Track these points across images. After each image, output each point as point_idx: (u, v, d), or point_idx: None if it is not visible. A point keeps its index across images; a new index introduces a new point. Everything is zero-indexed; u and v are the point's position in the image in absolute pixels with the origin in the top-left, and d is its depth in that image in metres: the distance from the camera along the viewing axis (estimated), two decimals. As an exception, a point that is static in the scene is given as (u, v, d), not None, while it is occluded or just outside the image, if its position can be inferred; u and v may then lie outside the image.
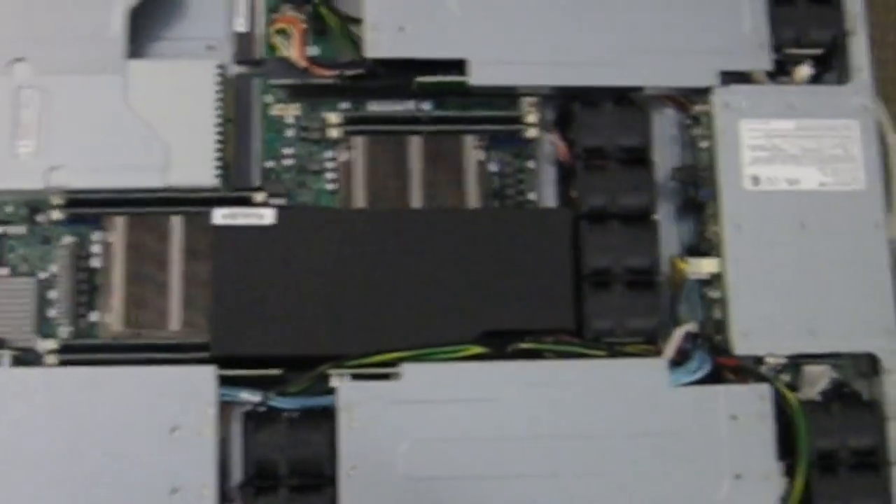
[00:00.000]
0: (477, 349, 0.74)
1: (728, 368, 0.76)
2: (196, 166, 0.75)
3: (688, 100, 0.81)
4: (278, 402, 0.73)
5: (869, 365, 0.77)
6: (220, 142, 0.76)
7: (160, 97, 0.76)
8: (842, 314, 0.76)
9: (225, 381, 0.72)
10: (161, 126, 0.76)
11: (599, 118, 0.78)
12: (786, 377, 0.78)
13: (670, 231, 0.81)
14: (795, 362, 0.78)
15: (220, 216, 0.74)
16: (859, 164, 0.79)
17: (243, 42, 0.80)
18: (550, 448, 0.72)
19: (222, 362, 0.72)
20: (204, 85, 0.77)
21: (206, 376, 0.71)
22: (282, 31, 0.78)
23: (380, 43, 0.77)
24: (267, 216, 0.74)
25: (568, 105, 0.80)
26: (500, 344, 0.74)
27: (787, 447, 0.75)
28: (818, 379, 0.78)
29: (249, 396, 0.72)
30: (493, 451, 0.72)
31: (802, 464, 0.74)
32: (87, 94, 0.76)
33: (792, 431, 0.75)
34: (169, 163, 0.75)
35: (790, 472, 0.74)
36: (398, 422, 0.71)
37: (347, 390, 0.72)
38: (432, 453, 0.71)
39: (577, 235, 0.76)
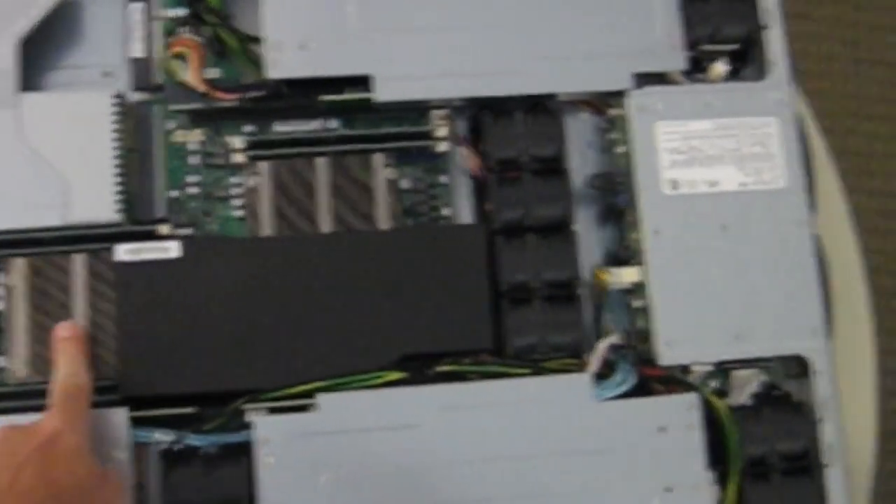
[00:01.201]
0: (395, 375, 0.72)
1: (655, 379, 0.74)
2: (97, 201, 0.73)
3: (603, 103, 0.79)
4: (194, 440, 0.71)
5: (798, 366, 0.76)
6: (120, 174, 0.73)
7: (56, 130, 0.74)
8: (768, 317, 0.74)
9: (138, 422, 0.70)
10: (58, 160, 0.73)
11: (511, 128, 0.76)
12: (715, 382, 0.77)
13: (591, 240, 0.79)
14: (723, 368, 0.76)
15: (123, 252, 0.72)
16: (780, 162, 0.77)
17: (140, 68, 0.77)
18: (476, 472, 0.70)
19: (134, 403, 0.70)
20: (101, 115, 0.74)
21: (118, 419, 0.69)
22: (179, 55, 0.75)
23: (281, 62, 0.74)
24: (172, 249, 0.72)
25: (479, 116, 0.77)
26: (420, 368, 0.72)
27: (717, 454, 0.73)
28: (747, 383, 0.77)
29: (163, 436, 0.70)
30: (416, 479, 0.70)
31: (734, 473, 0.73)
32: (-22, 132, 0.73)
33: (721, 439, 0.73)
34: (68, 199, 0.73)
35: (722, 480, 0.73)
36: (317, 454, 0.70)
37: (264, 425, 0.70)
38: (353, 485, 0.69)
39: (493, 251, 0.74)
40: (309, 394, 0.71)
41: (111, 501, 0.66)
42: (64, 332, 0.70)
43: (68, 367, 0.68)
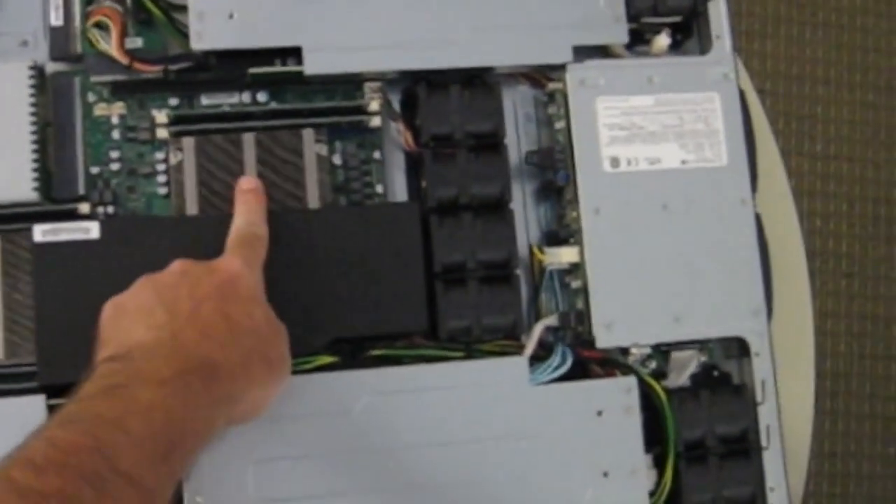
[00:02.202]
0: (327, 359, 0.70)
1: (593, 361, 0.73)
2: (12, 178, 0.70)
3: (542, 75, 0.77)
4: (116, 427, 0.68)
5: (738, 348, 0.75)
6: (37, 150, 0.70)
7: (-31, 102, 0.70)
8: (708, 298, 0.73)
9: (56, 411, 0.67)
10: (-28, 135, 0.70)
11: (446, 103, 0.74)
12: (653, 363, 0.75)
13: (528, 218, 0.77)
14: (662, 349, 0.75)
15: (41, 233, 0.68)
16: (722, 139, 0.75)
17: (59, 37, 0.73)
18: (410, 458, 0.69)
19: (52, 391, 0.67)
20: (17, 87, 0.71)
21: (34, 407, 0.66)
22: (99, 24, 0.71)
23: (207, 33, 0.71)
24: (92, 230, 0.69)
25: (413, 89, 0.75)
26: (352, 352, 0.70)
27: (655, 436, 0.72)
28: (686, 364, 0.76)
29: (85, 424, 0.68)
30: (349, 466, 0.68)
31: (671, 456, 0.72)
32: None
33: (660, 421, 0.72)
34: (-18, 176, 0.69)
35: (659, 463, 0.72)
36: (246, 440, 0.67)
37: (189, 411, 0.67)
38: (283, 472, 0.67)
39: (427, 230, 0.72)
40: (237, 379, 0.68)
41: (281, 350, 0.65)
42: (246, 184, 0.70)
43: (248, 216, 0.68)
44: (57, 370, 0.67)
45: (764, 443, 0.73)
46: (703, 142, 0.75)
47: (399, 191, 0.76)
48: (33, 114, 0.70)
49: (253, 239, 0.67)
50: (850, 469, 1.62)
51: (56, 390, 0.67)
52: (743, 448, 0.73)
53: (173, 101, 0.74)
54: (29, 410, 0.66)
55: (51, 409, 0.66)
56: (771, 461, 0.73)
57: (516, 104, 0.78)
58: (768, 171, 0.79)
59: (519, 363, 0.71)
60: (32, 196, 0.69)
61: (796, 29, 1.66)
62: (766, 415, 0.73)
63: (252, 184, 0.70)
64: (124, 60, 0.71)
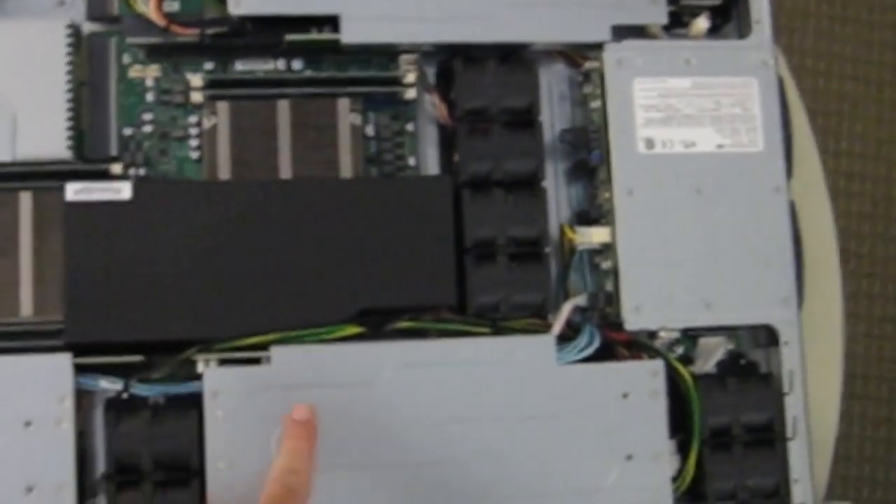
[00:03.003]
0: (353, 329, 0.69)
1: (620, 343, 0.72)
2: (46, 136, 0.69)
3: (579, 54, 0.76)
4: (141, 389, 0.68)
5: (766, 336, 0.74)
6: (72, 108, 0.70)
7: (6, 60, 0.70)
8: (739, 284, 0.73)
9: (82, 369, 0.67)
10: (7, 92, 0.69)
11: (483, 77, 0.73)
12: (680, 349, 0.75)
13: (560, 196, 0.76)
14: (690, 335, 0.74)
15: (73, 191, 0.68)
16: (759, 124, 0.74)
17: (97, -4, 0.73)
18: (433, 432, 0.68)
19: (78, 349, 0.67)
20: (54, 46, 0.70)
21: (61, 365, 0.66)
22: (138, -14, 0.71)
23: (245, -2, 0.71)
24: (124, 190, 0.69)
25: (449, 63, 0.74)
26: (378, 323, 0.70)
27: (679, 423, 0.72)
28: (714, 351, 0.75)
29: (109, 384, 0.68)
30: (373, 438, 0.68)
31: (695, 442, 0.71)
32: (-77, 58, 0.69)
33: (685, 407, 0.72)
34: (16, 133, 0.69)
35: (683, 449, 0.72)
36: (269, 409, 0.67)
37: (214, 376, 0.67)
38: (306, 441, 0.67)
39: (459, 204, 0.72)
40: (262, 346, 0.68)
41: None
42: (299, 414, 0.65)
43: (292, 460, 0.62)
44: (84, 329, 0.67)
45: (790, 433, 0.72)
46: (739, 127, 0.74)
47: (431, 164, 0.76)
48: (69, 73, 0.70)
49: (288, 495, 0.60)
50: (865, 474, 1.60)
51: (82, 349, 0.67)
52: (768, 438, 0.72)
53: (208, 66, 0.74)
54: (55, 368, 0.66)
55: (78, 367, 0.66)
56: (796, 452, 0.72)
57: (551, 83, 0.78)
58: (803, 159, 0.78)
59: (546, 342, 0.70)
60: (65, 154, 0.69)
61: (825, 24, 1.65)
62: (792, 405, 0.73)
63: (305, 414, 0.65)
64: (161, 23, 0.71)
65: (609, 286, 0.73)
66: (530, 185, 0.73)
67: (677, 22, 0.77)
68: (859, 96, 1.67)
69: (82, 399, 0.68)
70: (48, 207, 0.69)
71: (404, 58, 0.74)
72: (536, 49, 0.76)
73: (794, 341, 0.73)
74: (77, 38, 0.72)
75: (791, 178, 0.75)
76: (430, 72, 0.76)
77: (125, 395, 0.68)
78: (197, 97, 0.72)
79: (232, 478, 0.66)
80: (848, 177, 1.64)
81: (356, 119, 0.72)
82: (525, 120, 0.74)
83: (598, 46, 0.74)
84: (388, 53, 0.74)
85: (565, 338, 0.71)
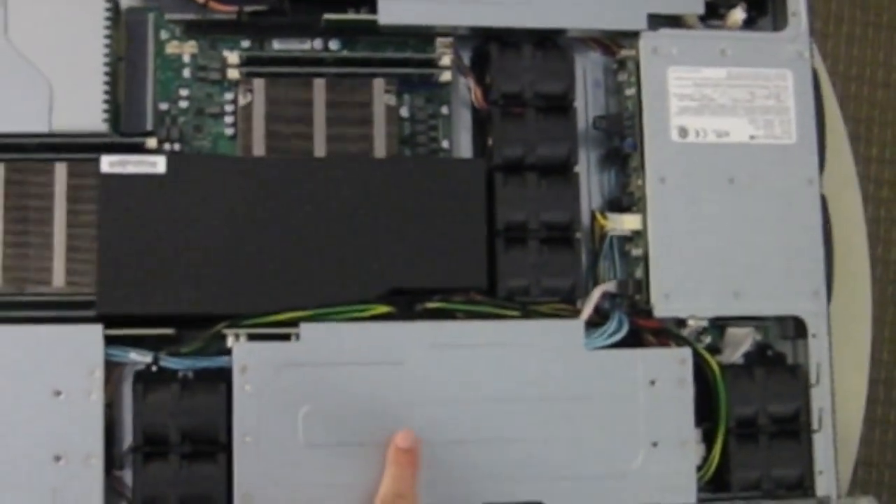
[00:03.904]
0: (382, 308, 0.69)
1: (648, 330, 0.72)
2: (83, 109, 0.70)
3: (614, 43, 0.77)
4: (170, 362, 0.68)
5: (794, 328, 0.74)
6: (109, 82, 0.70)
7: (44, 32, 0.70)
8: (768, 275, 0.73)
9: (113, 341, 0.67)
10: (45, 64, 0.70)
11: (518, 62, 0.73)
12: (708, 338, 0.75)
13: (592, 183, 0.77)
14: (718, 324, 0.74)
15: (108, 164, 0.69)
16: (792, 117, 0.74)
17: (137, -28, 0.74)
18: (459, 413, 0.69)
19: (109, 321, 0.67)
20: (93, 19, 0.71)
21: (91, 336, 0.67)
22: (177, -38, 0.72)
23: (284, -23, 0.71)
24: (158, 164, 0.69)
25: (485, 47, 0.74)
26: (408, 303, 0.70)
27: (704, 412, 0.72)
28: (741, 341, 0.75)
29: (139, 357, 0.68)
30: (398, 417, 0.68)
31: (721, 431, 0.71)
32: (-37, 28, 0.70)
33: (711, 396, 0.72)
34: (53, 105, 0.69)
35: (708, 438, 0.72)
36: (298, 385, 0.67)
37: (243, 351, 0.67)
38: (334, 419, 0.67)
39: (492, 188, 0.72)
40: (292, 322, 0.68)
41: None
42: (403, 442, 0.66)
43: (398, 484, 0.65)
44: (115, 301, 0.68)
45: (815, 425, 0.72)
46: (772, 118, 0.74)
47: (464, 148, 0.76)
48: (107, 47, 0.70)
49: None
50: (885, 479, 1.59)
51: (113, 320, 0.67)
52: (794, 429, 0.72)
53: (245, 44, 0.75)
54: (86, 339, 0.67)
55: (108, 338, 0.67)
56: (821, 444, 0.72)
57: (586, 70, 0.78)
58: (835, 154, 0.78)
59: (575, 326, 0.70)
60: (102, 127, 0.70)
61: (858, 29, 1.64)
62: (819, 397, 0.73)
63: (409, 442, 0.66)
64: (201, -1, 0.71)
65: (639, 273, 0.73)
66: (563, 170, 0.73)
67: (713, 13, 0.77)
68: (891, 102, 1.66)
69: (111, 371, 0.68)
70: (83, 179, 0.70)
71: (440, 40, 0.74)
72: (572, 35, 0.76)
73: (822, 334, 0.73)
74: (116, 13, 0.72)
75: (823, 171, 0.74)
76: (466, 55, 0.76)
77: (154, 368, 0.69)
78: (233, 74, 0.72)
79: (258, 452, 0.66)
80: (876, 183, 1.63)
81: (391, 100, 0.73)
82: (559, 105, 0.74)
83: (633, 34, 0.74)
84: (424, 36, 0.75)
85: (593, 324, 0.72)
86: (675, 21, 0.76)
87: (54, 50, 0.70)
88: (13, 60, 0.69)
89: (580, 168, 0.74)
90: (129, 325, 0.68)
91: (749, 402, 0.72)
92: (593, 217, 0.75)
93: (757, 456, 0.71)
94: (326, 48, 0.75)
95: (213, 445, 0.67)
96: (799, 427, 0.72)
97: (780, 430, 0.72)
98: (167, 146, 0.73)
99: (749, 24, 0.78)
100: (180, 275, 0.68)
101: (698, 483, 0.71)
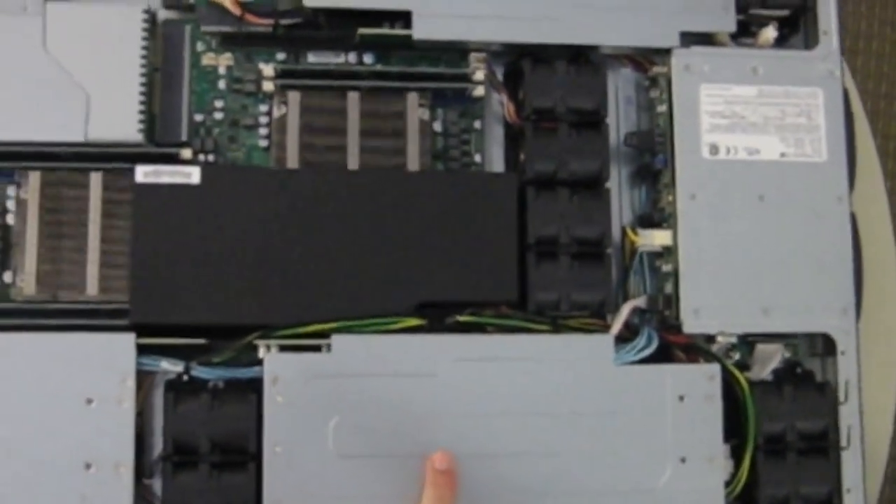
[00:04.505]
0: (413, 321, 0.70)
1: (677, 346, 0.72)
2: (118, 119, 0.70)
3: (646, 59, 0.77)
4: (201, 372, 0.69)
5: (823, 345, 0.74)
6: (144, 93, 0.71)
7: (81, 43, 0.71)
8: (798, 292, 0.73)
9: (145, 350, 0.68)
10: (82, 74, 0.71)
11: (551, 78, 0.74)
12: (737, 355, 0.75)
13: (622, 199, 0.77)
14: (747, 341, 0.75)
15: (142, 174, 0.69)
16: (823, 135, 0.75)
17: (173, -16, 0.74)
18: (488, 426, 0.69)
19: (142, 330, 0.68)
20: (129, 31, 0.71)
21: (124, 345, 0.67)
22: (215, -25, 0.72)
23: (321, -9, 0.72)
24: (193, 175, 0.69)
25: (518, 62, 0.75)
26: (438, 316, 0.70)
27: (733, 427, 0.72)
28: (770, 358, 0.75)
29: (170, 366, 0.68)
30: (428, 429, 0.68)
31: (749, 447, 0.71)
32: (1, 38, 0.70)
33: (740, 412, 0.72)
34: (89, 115, 0.70)
35: (736, 455, 0.72)
36: (328, 396, 0.68)
37: (274, 362, 0.68)
38: (364, 430, 0.68)
39: (524, 202, 0.72)
40: (323, 334, 0.69)
41: None
42: (440, 463, 0.67)
43: None
44: (149, 310, 0.68)
45: (844, 443, 0.72)
46: (803, 136, 0.74)
47: (496, 162, 0.77)
48: (143, 58, 0.71)
49: None
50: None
51: (145, 329, 0.68)
52: (822, 446, 0.72)
53: (280, 57, 0.75)
54: (119, 347, 0.67)
55: (140, 347, 0.67)
56: (850, 462, 0.72)
57: (617, 86, 0.78)
58: (865, 172, 0.78)
59: (605, 341, 0.71)
60: (137, 137, 0.70)
61: (888, 47, 1.64)
62: (847, 415, 0.73)
63: (446, 463, 0.67)
64: (237, 12, 0.72)
65: (668, 289, 0.73)
66: (594, 185, 0.73)
67: (745, 31, 0.77)
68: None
69: (142, 379, 0.68)
70: (117, 189, 0.70)
71: (474, 56, 0.75)
72: (604, 52, 0.76)
73: (851, 351, 0.73)
74: (152, 24, 0.73)
75: (853, 189, 0.75)
76: (499, 70, 0.76)
77: (185, 378, 0.69)
78: (268, 86, 0.73)
79: (288, 462, 0.66)
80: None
81: (424, 114, 0.73)
82: (591, 121, 0.74)
83: (665, 52, 0.75)
84: (457, 51, 0.75)
85: (622, 339, 0.72)
86: (706, 39, 0.76)
87: (91, 61, 0.71)
88: (51, 71, 0.70)
89: (611, 184, 0.75)
90: (161, 334, 0.68)
91: (777, 419, 0.72)
92: (624, 233, 0.75)
93: (785, 473, 0.71)
94: (361, 62, 0.75)
95: (243, 455, 0.67)
96: (827, 444, 0.72)
97: (808, 448, 0.72)
98: (201, 157, 0.73)
99: (780, 42, 0.78)
100: (213, 285, 0.69)
101: (726, 499, 0.71)
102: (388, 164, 0.72)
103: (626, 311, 0.72)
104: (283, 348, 0.68)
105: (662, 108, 0.75)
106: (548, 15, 0.74)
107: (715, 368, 0.71)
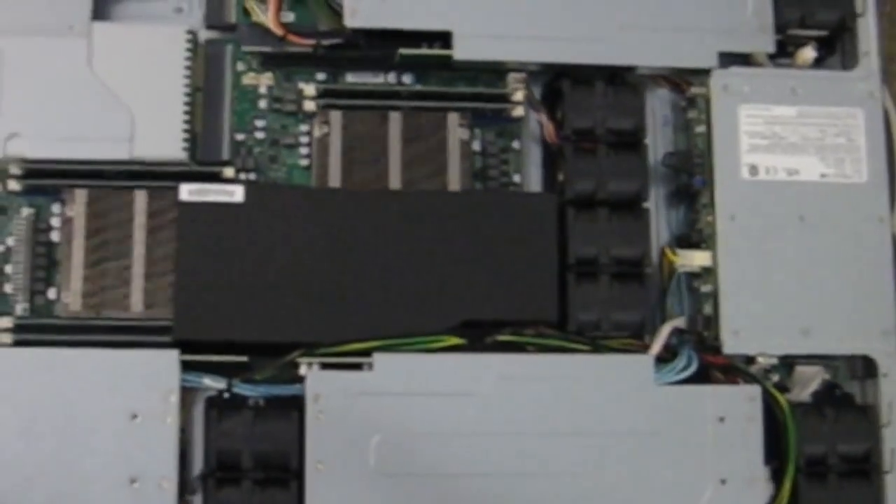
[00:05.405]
0: (454, 340, 0.70)
1: (717, 367, 0.72)
2: (162, 138, 0.71)
3: (684, 80, 0.77)
4: (243, 389, 0.69)
5: (864, 367, 0.74)
6: (188, 112, 0.72)
7: (126, 63, 0.72)
8: (838, 313, 0.73)
9: (188, 367, 0.68)
10: (126, 94, 0.72)
11: (590, 98, 0.74)
12: (776, 376, 0.75)
13: (660, 219, 0.77)
14: (787, 362, 0.74)
15: (187, 192, 0.70)
16: (863, 155, 0.75)
17: (215, 5, 0.75)
18: (528, 445, 0.69)
19: (185, 346, 0.68)
20: (173, 51, 0.72)
21: (168, 361, 0.68)
22: (258, -4, 0.73)
23: (361, 11, 0.72)
24: (237, 193, 0.70)
25: (557, 83, 0.75)
26: (479, 335, 0.70)
27: (774, 450, 0.72)
28: (810, 380, 0.75)
29: (213, 383, 0.69)
30: (468, 448, 0.69)
31: (790, 469, 0.71)
32: (48, 58, 0.71)
33: (780, 434, 0.72)
34: (134, 133, 0.71)
35: (777, 477, 0.71)
36: (370, 414, 0.68)
37: (317, 379, 0.68)
38: (405, 449, 0.68)
39: (563, 222, 0.72)
40: (365, 352, 0.69)
41: None
42: None
43: None
44: (192, 327, 0.69)
45: (887, 466, 0.72)
46: (843, 157, 0.75)
47: (534, 182, 0.77)
48: (186, 77, 0.72)
49: None
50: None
51: (190, 346, 0.68)
52: (864, 469, 0.72)
53: (320, 77, 0.76)
54: (163, 363, 0.67)
55: (183, 364, 0.68)
56: (893, 486, 0.72)
57: (654, 107, 0.79)
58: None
59: (645, 361, 0.71)
60: (181, 156, 0.71)
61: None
62: (891, 438, 0.72)
63: None
64: (279, 32, 0.73)
65: (708, 310, 0.73)
66: (633, 206, 0.74)
67: (783, 51, 0.77)
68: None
69: (184, 396, 0.69)
70: (161, 206, 0.71)
71: (512, 76, 0.75)
72: (643, 73, 0.76)
73: (894, 373, 0.73)
74: (195, 44, 0.74)
75: (894, 210, 0.75)
76: (537, 91, 0.77)
77: (227, 395, 0.69)
78: (310, 106, 0.73)
79: (330, 480, 0.67)
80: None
81: (464, 134, 0.74)
82: (630, 141, 0.74)
83: (704, 72, 0.75)
84: (496, 71, 0.76)
85: (660, 359, 0.72)
86: (744, 59, 0.76)
87: (136, 80, 0.72)
88: (97, 90, 0.71)
89: (649, 204, 0.75)
90: (204, 350, 0.69)
91: (819, 442, 0.72)
92: (662, 253, 0.75)
93: (826, 495, 0.71)
94: (400, 82, 0.76)
95: (286, 472, 0.68)
96: (869, 467, 0.72)
97: (850, 470, 0.72)
98: (243, 176, 0.74)
99: (818, 62, 0.78)
100: (255, 302, 0.69)
101: (766, 522, 0.71)
102: (429, 183, 0.73)
103: (666, 331, 0.72)
104: (324, 366, 0.69)
105: (701, 129, 0.75)
106: (586, 35, 0.74)
107: (756, 390, 0.71)
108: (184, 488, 0.68)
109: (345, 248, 0.70)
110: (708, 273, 0.73)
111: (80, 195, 0.71)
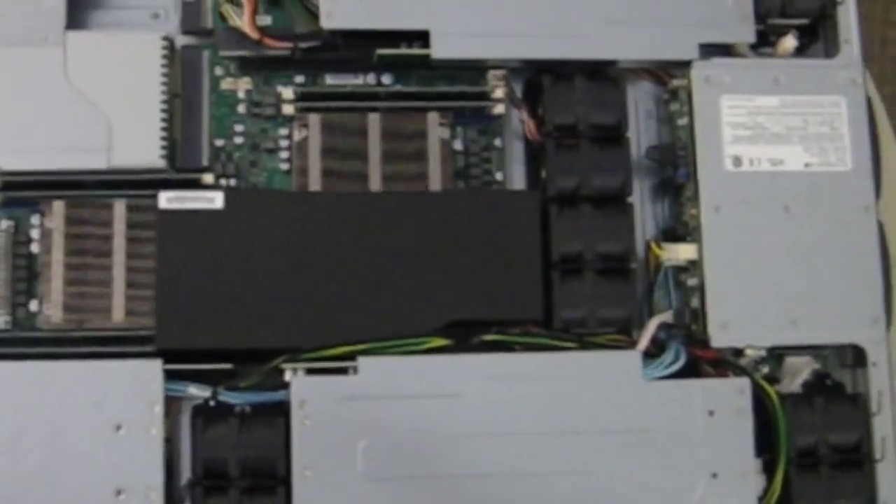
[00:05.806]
0: (440, 341, 0.69)
1: (705, 361, 0.72)
2: (140, 146, 0.71)
3: (665, 72, 0.77)
4: (228, 396, 0.69)
5: (854, 356, 0.74)
6: (165, 119, 0.71)
7: (102, 71, 0.71)
8: (826, 303, 0.72)
9: (172, 376, 0.68)
10: (103, 102, 0.71)
11: (571, 93, 0.74)
12: (766, 368, 0.74)
13: (645, 213, 0.77)
14: (776, 353, 0.74)
15: (166, 199, 0.69)
16: (847, 143, 0.74)
17: (191, 11, 0.74)
18: (518, 445, 0.68)
19: (169, 356, 0.68)
20: (149, 58, 0.72)
21: (151, 371, 0.67)
22: (232, 0, 0.72)
23: (337, 12, 0.72)
24: (216, 200, 0.70)
25: (537, 79, 0.75)
26: (465, 335, 0.70)
27: (765, 442, 0.71)
28: (800, 371, 0.74)
29: (198, 391, 0.68)
30: (457, 450, 0.68)
31: (782, 461, 0.70)
32: (23, 69, 0.71)
33: (771, 426, 0.71)
34: (111, 142, 0.70)
35: (768, 469, 0.71)
36: (356, 419, 0.67)
37: (301, 385, 0.68)
38: (393, 453, 0.67)
39: (547, 219, 0.72)
40: (349, 356, 0.68)
41: None
42: None
43: None
44: (175, 335, 0.68)
45: (878, 455, 0.71)
46: (827, 146, 0.74)
47: (517, 180, 0.77)
48: (163, 84, 0.71)
49: None
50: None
51: (173, 355, 0.68)
52: (856, 459, 0.72)
53: (299, 79, 0.75)
54: (146, 373, 0.67)
55: (167, 373, 0.67)
56: (884, 474, 0.71)
57: (637, 100, 0.78)
58: (891, 180, 0.78)
59: (633, 357, 0.70)
60: (160, 164, 0.70)
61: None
62: (881, 426, 0.72)
63: None
64: (255, 36, 0.72)
65: (695, 303, 0.72)
66: (617, 200, 0.73)
67: (764, 41, 0.77)
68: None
69: (169, 405, 0.68)
70: (141, 215, 0.70)
71: (492, 73, 0.74)
72: (623, 66, 0.76)
73: (883, 362, 0.72)
74: (171, 50, 0.73)
75: (879, 197, 0.74)
76: (518, 88, 0.76)
77: (212, 403, 0.69)
78: (288, 109, 0.73)
79: (318, 486, 0.66)
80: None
81: (445, 133, 0.73)
82: (612, 136, 0.74)
83: (685, 64, 0.74)
84: (476, 69, 0.75)
85: (648, 355, 0.71)
86: (725, 50, 0.76)
87: (112, 89, 0.71)
88: (73, 100, 0.70)
89: (633, 198, 0.74)
90: (187, 359, 0.68)
91: (810, 432, 0.71)
92: (648, 247, 0.75)
93: (819, 486, 0.71)
94: (379, 83, 0.76)
95: (273, 479, 0.67)
96: (861, 457, 0.71)
97: (841, 460, 0.71)
98: (223, 182, 0.73)
99: (800, 51, 0.78)
100: (238, 309, 0.69)
101: (760, 515, 0.70)
102: (410, 184, 0.72)
103: (653, 326, 0.72)
104: (309, 371, 0.68)
105: (683, 121, 0.74)
106: (566, 31, 0.74)
107: (745, 382, 0.70)
108: (170, 498, 0.68)
109: (326, 251, 0.70)
110: (694, 266, 0.73)
111: (59, 206, 0.70)
